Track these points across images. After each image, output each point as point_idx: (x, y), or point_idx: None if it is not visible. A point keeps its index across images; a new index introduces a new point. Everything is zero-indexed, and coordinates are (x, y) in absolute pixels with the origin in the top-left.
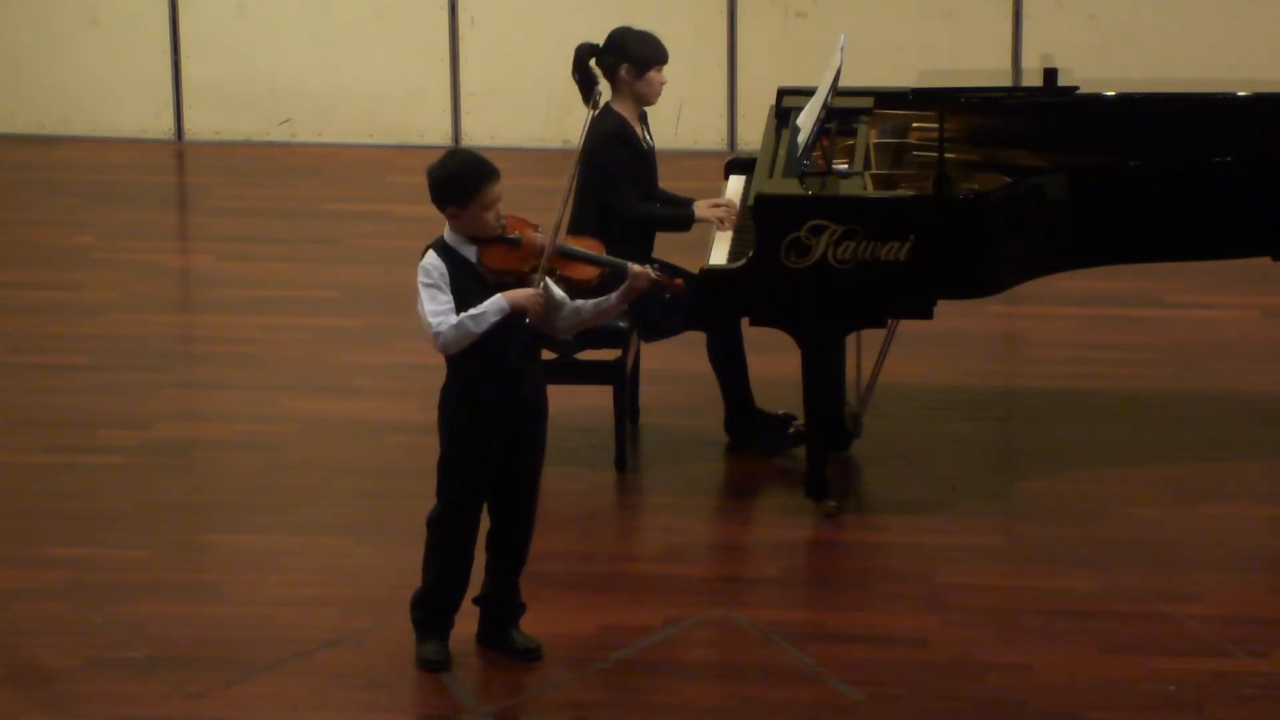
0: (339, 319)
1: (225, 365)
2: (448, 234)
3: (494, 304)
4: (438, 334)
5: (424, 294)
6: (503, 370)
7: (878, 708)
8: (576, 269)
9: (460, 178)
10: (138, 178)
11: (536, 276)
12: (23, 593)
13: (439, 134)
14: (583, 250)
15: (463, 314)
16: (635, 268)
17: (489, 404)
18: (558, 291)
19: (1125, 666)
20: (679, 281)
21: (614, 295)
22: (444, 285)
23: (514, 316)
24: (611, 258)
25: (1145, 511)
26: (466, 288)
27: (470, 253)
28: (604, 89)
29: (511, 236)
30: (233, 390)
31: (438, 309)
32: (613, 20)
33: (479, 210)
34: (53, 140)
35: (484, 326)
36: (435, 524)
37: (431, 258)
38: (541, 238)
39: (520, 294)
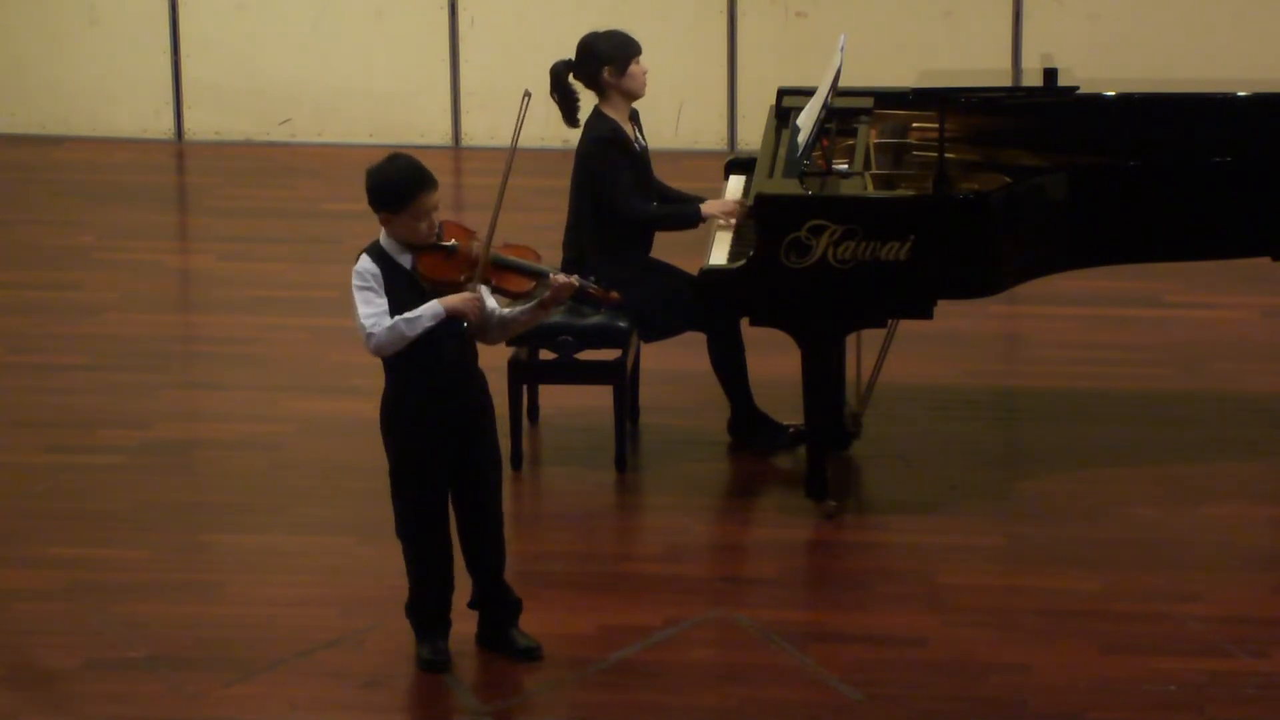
0: (339, 319)
1: (225, 365)
2: (383, 239)
3: (430, 308)
4: (370, 335)
5: (357, 297)
6: (440, 376)
7: (878, 708)
8: (511, 280)
9: (395, 185)
10: (138, 178)
11: (471, 286)
12: (23, 593)
13: (439, 134)
14: (518, 260)
15: (397, 317)
16: (559, 278)
17: (430, 410)
18: (490, 302)
19: (1125, 666)
20: (614, 295)
21: (534, 304)
22: (378, 288)
23: (450, 321)
24: (545, 266)
25: (1145, 511)
26: (402, 294)
27: (406, 260)
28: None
29: (447, 245)
30: (233, 390)
31: (371, 311)
32: (611, 20)
33: (410, 219)
34: (53, 140)
35: (417, 330)
36: (401, 534)
37: (365, 262)
38: (478, 247)
39: (457, 298)
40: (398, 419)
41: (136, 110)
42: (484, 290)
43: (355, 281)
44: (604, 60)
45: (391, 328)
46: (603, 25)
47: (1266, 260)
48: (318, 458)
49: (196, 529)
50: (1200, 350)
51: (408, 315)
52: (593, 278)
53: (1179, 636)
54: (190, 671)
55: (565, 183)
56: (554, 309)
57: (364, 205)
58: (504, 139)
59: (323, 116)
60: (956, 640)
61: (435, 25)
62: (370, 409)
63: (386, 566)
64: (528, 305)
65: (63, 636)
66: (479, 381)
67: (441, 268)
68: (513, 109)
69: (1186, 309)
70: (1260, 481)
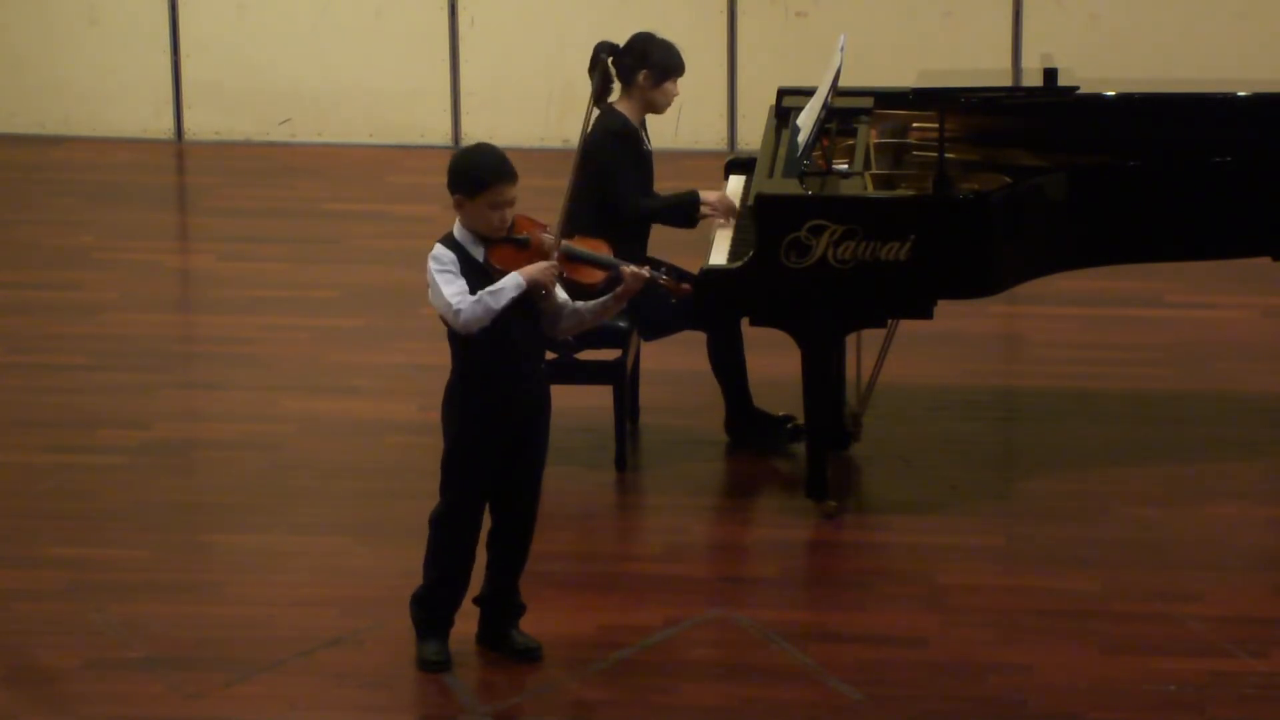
0: (339, 319)
1: (225, 365)
2: (457, 229)
3: (511, 279)
4: (459, 311)
5: (438, 279)
6: (508, 368)
7: (878, 708)
8: (583, 272)
9: (475, 170)
10: (138, 178)
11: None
12: (23, 593)
13: (439, 134)
14: (589, 253)
15: (481, 291)
16: (631, 269)
17: (493, 402)
18: (561, 294)
19: (1125, 666)
20: (685, 286)
21: (609, 297)
22: (456, 271)
23: (531, 291)
24: (615, 260)
25: (1145, 511)
26: (473, 285)
27: (478, 252)
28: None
29: (520, 237)
30: (233, 390)
31: (456, 290)
32: (613, 20)
33: (484, 206)
34: (53, 140)
35: (502, 302)
36: (437, 522)
37: (441, 249)
38: (550, 239)
39: (535, 268)
40: (459, 406)
41: (136, 110)
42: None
43: (433, 266)
44: (647, 64)
45: (477, 301)
46: (603, 25)
47: (1266, 260)
48: (318, 458)
49: (196, 529)
50: (1200, 350)
51: (491, 289)
52: (664, 269)
53: (1179, 636)
54: (190, 671)
55: (565, 182)
56: (626, 301)
57: (363, 205)
58: (504, 139)
59: (323, 116)
60: (956, 640)
61: (435, 25)
62: (370, 409)
63: (386, 566)
64: (602, 299)
65: (63, 636)
66: (542, 378)
67: (515, 259)
68: (513, 109)
69: (1186, 309)
70: (1260, 481)
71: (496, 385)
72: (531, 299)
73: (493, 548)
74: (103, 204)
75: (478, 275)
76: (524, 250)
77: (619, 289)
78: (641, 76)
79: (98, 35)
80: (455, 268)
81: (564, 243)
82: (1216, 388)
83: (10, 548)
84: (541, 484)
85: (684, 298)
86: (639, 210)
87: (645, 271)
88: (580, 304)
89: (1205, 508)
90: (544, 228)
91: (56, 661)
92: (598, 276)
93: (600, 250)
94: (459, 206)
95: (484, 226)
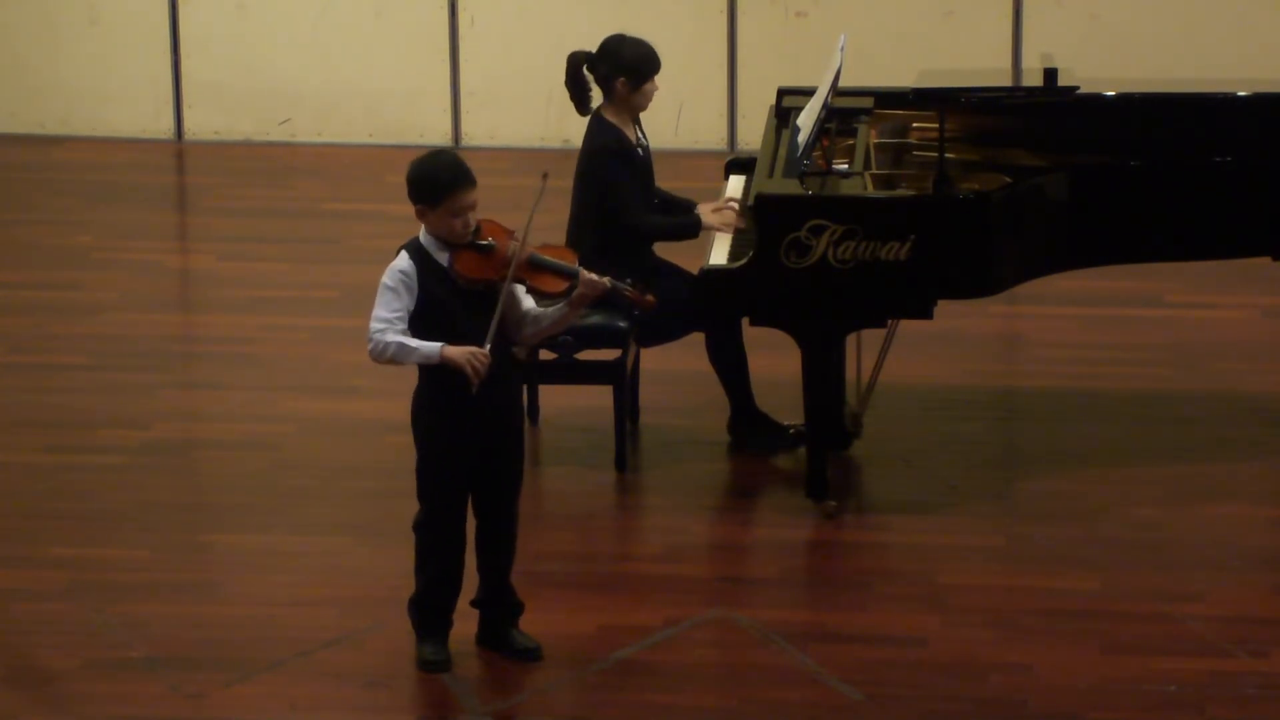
0: (339, 319)
1: (225, 365)
2: (423, 235)
3: (429, 349)
4: (371, 339)
5: (380, 295)
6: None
7: (878, 708)
8: (545, 281)
9: (433, 179)
10: (138, 178)
11: (504, 286)
12: (22, 593)
13: (439, 134)
14: (553, 261)
15: (404, 338)
16: (590, 277)
17: (461, 407)
18: (527, 301)
19: (1125, 666)
20: (649, 299)
21: (564, 304)
22: (404, 291)
23: (444, 369)
24: (577, 268)
25: (1145, 511)
26: (436, 291)
27: (443, 257)
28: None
29: (484, 244)
30: (233, 390)
31: (386, 315)
32: (612, 19)
33: (446, 215)
34: (53, 140)
35: (409, 361)
36: (420, 529)
37: (402, 259)
38: (515, 246)
39: (460, 352)
40: (427, 412)
41: (136, 110)
42: (519, 289)
43: (385, 279)
44: (622, 70)
45: (387, 345)
46: (602, 24)
47: (1266, 260)
48: (318, 458)
49: (196, 529)
50: (1200, 350)
51: (411, 343)
52: (629, 280)
53: (1179, 636)
54: (190, 671)
55: (565, 183)
56: (584, 309)
57: (363, 205)
58: (504, 139)
59: (323, 116)
60: (956, 640)
61: (435, 25)
62: (370, 409)
63: (386, 566)
64: (558, 305)
65: (63, 636)
66: (512, 380)
67: (477, 266)
68: (513, 109)
69: (1186, 309)
70: (1260, 481)
71: (461, 392)
72: (503, 308)
73: (480, 550)
74: (102, 204)
75: (442, 281)
76: (488, 256)
77: (573, 296)
78: (619, 84)
79: (98, 35)
80: (406, 286)
81: (530, 251)
82: (1216, 388)
83: (10, 548)
84: (521, 486)
85: (647, 310)
86: (642, 229)
87: (604, 280)
88: (540, 311)
89: (1205, 508)
90: (511, 234)
91: (56, 661)
92: (561, 285)
93: (566, 259)
94: (422, 216)
95: (447, 233)
